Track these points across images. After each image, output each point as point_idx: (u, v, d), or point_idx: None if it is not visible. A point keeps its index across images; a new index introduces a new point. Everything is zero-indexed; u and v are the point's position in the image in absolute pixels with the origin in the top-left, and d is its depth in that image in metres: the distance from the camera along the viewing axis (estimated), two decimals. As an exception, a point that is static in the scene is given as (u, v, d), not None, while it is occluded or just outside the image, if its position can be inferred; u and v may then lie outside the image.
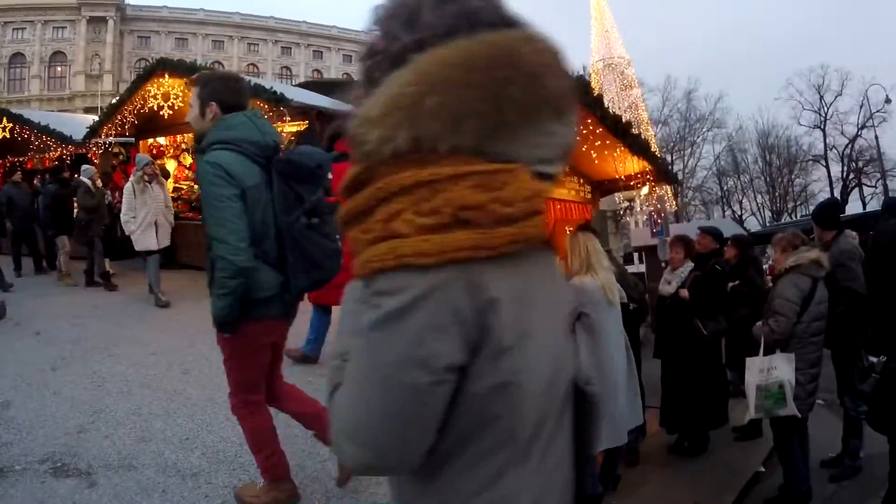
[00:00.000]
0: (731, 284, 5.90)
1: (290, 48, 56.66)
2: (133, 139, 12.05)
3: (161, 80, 10.04)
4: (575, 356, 1.01)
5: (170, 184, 10.45)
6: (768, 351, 4.08)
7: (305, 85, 15.13)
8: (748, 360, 4.16)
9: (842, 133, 36.53)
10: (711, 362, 5.23)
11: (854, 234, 4.97)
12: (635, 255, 22.72)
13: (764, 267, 6.26)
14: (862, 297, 3.77)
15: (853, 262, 4.17)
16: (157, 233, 7.85)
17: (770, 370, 3.99)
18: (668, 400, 5.28)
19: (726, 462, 4.97)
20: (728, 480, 4.58)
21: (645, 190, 8.30)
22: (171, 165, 12.04)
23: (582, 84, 6.85)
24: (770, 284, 4.79)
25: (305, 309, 3.96)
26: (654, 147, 8.51)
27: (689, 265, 5.29)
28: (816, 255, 4.13)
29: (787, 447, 4.17)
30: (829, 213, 4.73)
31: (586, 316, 4.01)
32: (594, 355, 4.09)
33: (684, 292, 5.10)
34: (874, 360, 3.02)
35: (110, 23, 48.71)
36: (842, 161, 36.18)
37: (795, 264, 4.12)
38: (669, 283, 5.32)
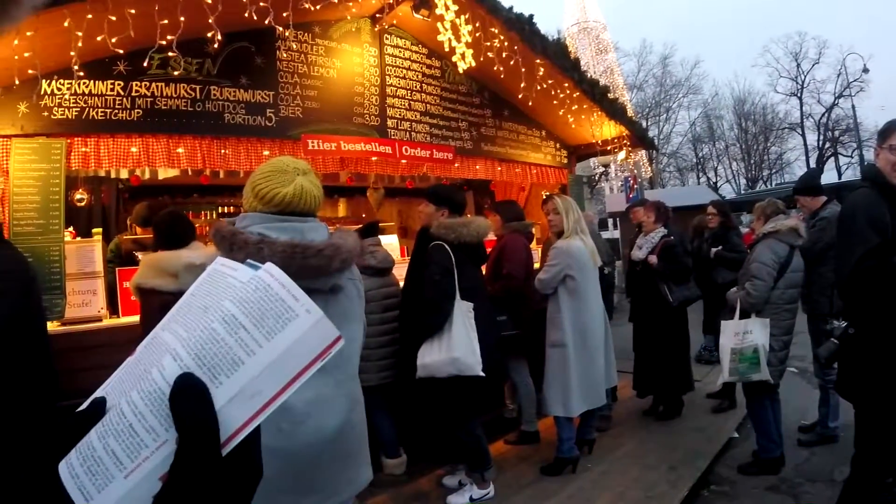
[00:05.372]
0: (714, 250, 5.89)
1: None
2: None
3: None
4: None
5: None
6: (744, 315, 4.08)
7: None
8: (723, 324, 4.16)
9: (818, 102, 36.23)
10: (680, 327, 5.24)
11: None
12: (610, 221, 22.87)
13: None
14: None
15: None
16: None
17: (745, 334, 3.99)
18: (640, 364, 5.33)
19: (700, 427, 4.99)
20: (702, 445, 4.59)
21: (621, 155, 8.19)
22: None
23: (559, 48, 6.64)
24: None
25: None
26: (630, 112, 8.41)
27: (661, 231, 5.25)
28: (794, 222, 4.12)
29: (760, 413, 4.19)
30: (817, 180, 4.82)
31: (571, 278, 3.94)
32: (577, 317, 4.06)
33: (653, 258, 5.08)
34: (836, 323, 2.98)
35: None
36: (818, 130, 36.21)
37: (774, 230, 4.11)
38: (640, 249, 5.29)
